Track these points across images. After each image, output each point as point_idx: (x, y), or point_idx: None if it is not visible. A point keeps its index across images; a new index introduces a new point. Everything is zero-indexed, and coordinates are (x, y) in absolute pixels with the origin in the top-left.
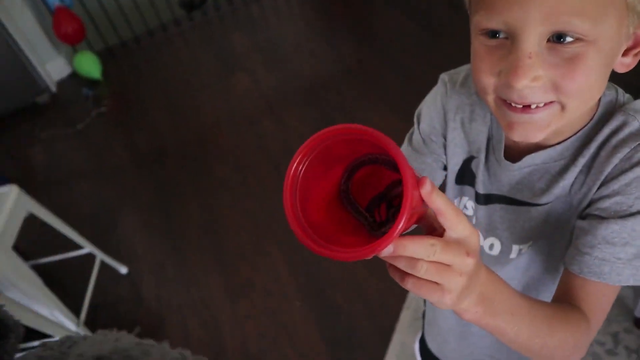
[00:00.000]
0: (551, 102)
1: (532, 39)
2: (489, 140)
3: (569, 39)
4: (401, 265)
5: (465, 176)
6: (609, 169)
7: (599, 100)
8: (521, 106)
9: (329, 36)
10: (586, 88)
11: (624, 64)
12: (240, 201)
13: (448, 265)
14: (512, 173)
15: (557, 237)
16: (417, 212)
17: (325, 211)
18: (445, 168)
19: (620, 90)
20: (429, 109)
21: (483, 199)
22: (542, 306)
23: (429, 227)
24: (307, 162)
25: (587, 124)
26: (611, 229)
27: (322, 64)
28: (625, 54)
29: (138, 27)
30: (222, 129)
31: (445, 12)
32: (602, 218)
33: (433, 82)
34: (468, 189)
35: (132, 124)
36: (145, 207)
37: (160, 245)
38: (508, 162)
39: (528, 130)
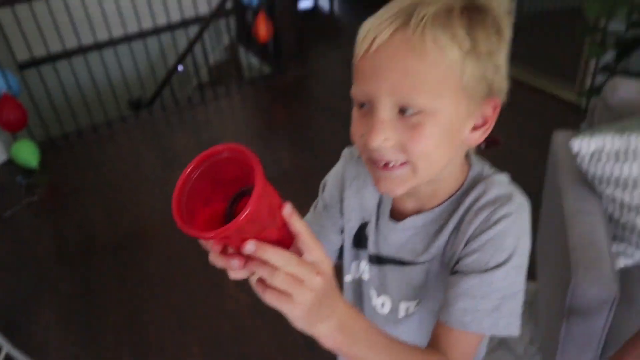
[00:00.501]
0: (405, 163)
1: (384, 108)
2: (379, 204)
3: (410, 111)
4: (263, 272)
5: (361, 240)
6: (471, 230)
7: (469, 171)
8: (382, 164)
9: (268, 139)
10: (428, 152)
11: (474, 139)
12: (165, 296)
13: (301, 280)
14: (398, 234)
15: (439, 295)
16: (278, 230)
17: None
18: (342, 232)
19: (487, 165)
20: (332, 179)
21: (375, 260)
22: (403, 346)
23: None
24: (197, 173)
25: (458, 191)
26: (472, 283)
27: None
28: (475, 129)
29: (83, 120)
30: (155, 224)
31: None
32: (464, 273)
33: None
34: (363, 251)
35: (64, 215)
36: (64, 300)
37: (77, 339)
38: (392, 222)
39: (390, 185)
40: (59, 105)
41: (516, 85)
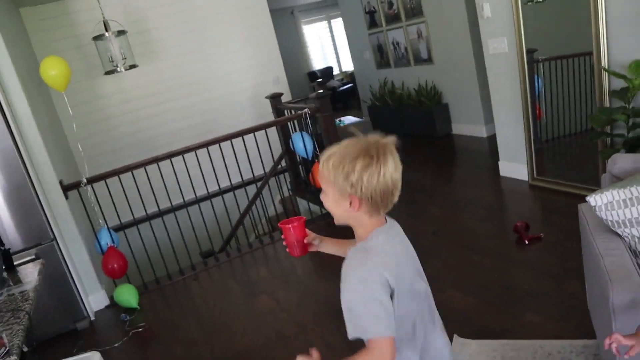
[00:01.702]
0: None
1: (323, 193)
2: None
3: (324, 192)
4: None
5: None
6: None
7: (373, 233)
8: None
9: (326, 268)
10: (329, 207)
11: (353, 208)
12: None
13: None
14: None
15: None
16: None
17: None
18: None
19: (381, 238)
20: None
21: None
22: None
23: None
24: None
25: (365, 240)
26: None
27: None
28: (352, 206)
29: (171, 267)
30: (249, 344)
31: (429, 237)
32: None
33: None
34: None
35: (168, 338)
36: None
37: None
38: None
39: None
40: (140, 257)
41: (551, 193)
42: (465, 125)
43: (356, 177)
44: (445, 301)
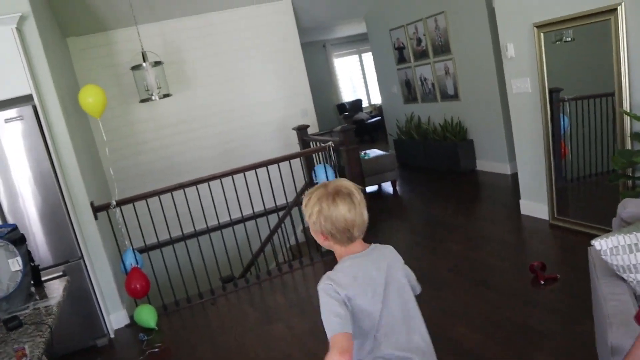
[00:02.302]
0: None
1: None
2: None
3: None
4: None
5: None
6: None
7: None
8: None
9: None
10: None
11: (324, 240)
12: None
13: None
14: None
15: None
16: None
17: None
18: None
19: (347, 263)
20: None
21: None
22: None
23: None
24: None
25: None
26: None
27: None
28: (326, 240)
29: (190, 290)
30: None
31: (444, 273)
32: None
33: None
34: None
35: (183, 359)
36: None
37: None
38: None
39: None
40: (161, 279)
41: (571, 233)
42: (490, 162)
43: (314, 219)
44: (454, 337)
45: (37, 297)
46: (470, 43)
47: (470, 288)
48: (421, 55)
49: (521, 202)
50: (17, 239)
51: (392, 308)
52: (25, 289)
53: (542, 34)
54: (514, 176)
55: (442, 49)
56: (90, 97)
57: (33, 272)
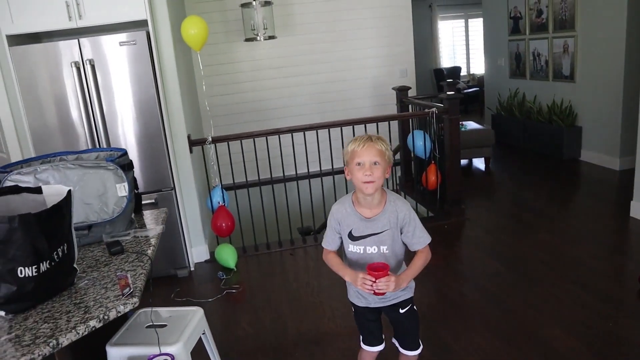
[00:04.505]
0: (372, 181)
1: (370, 164)
2: (354, 220)
3: (376, 164)
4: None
5: (351, 235)
6: (402, 216)
7: (387, 194)
8: (367, 181)
9: (428, 269)
10: (379, 177)
11: (389, 174)
12: None
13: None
14: (374, 224)
15: (394, 243)
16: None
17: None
18: (341, 238)
19: (389, 190)
20: (332, 218)
21: (362, 237)
22: (414, 260)
23: None
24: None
25: (386, 203)
26: (412, 231)
27: None
28: (387, 174)
29: (271, 236)
30: (339, 326)
31: (537, 265)
32: (408, 231)
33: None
34: (358, 238)
35: (258, 306)
36: None
37: None
38: (367, 221)
39: (370, 189)
40: (244, 221)
41: None
42: (598, 153)
43: (390, 153)
44: (546, 338)
45: (137, 225)
46: (601, 21)
47: (565, 286)
48: (539, 28)
49: (632, 203)
50: (126, 164)
51: None
52: (129, 215)
53: None
54: (625, 173)
55: (565, 24)
56: (192, 29)
57: (136, 199)
